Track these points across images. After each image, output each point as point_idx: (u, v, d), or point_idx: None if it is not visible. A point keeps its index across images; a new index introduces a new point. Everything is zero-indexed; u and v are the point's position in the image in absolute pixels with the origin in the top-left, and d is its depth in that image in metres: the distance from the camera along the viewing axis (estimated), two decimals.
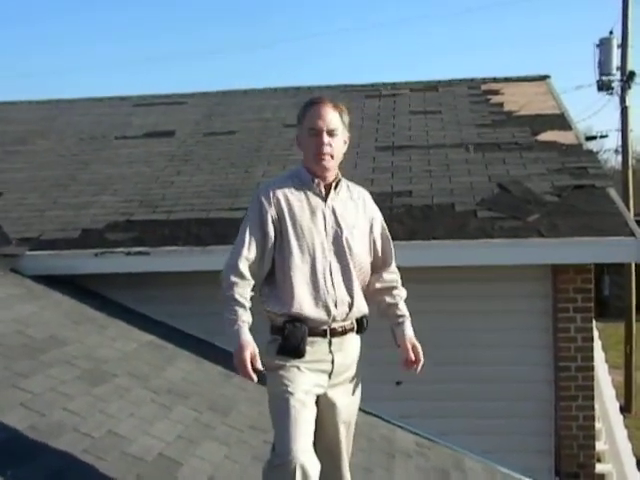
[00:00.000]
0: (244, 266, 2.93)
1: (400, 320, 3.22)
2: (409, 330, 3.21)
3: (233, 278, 2.92)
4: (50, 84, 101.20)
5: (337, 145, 3.02)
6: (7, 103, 10.32)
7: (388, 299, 3.23)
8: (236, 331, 2.87)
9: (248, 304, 2.93)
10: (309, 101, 3.09)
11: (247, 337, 2.86)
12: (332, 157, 3.01)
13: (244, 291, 2.93)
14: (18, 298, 5.16)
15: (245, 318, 2.90)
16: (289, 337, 2.92)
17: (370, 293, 3.20)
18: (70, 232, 6.02)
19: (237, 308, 2.90)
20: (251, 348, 2.84)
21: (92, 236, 5.94)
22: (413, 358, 3.18)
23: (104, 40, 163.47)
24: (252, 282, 2.96)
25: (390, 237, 3.26)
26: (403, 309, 3.24)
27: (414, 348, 3.19)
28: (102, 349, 4.73)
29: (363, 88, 9.57)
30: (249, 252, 2.95)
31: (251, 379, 2.83)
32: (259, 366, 2.84)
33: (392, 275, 3.25)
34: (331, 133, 2.99)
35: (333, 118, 3.01)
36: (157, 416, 3.98)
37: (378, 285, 3.21)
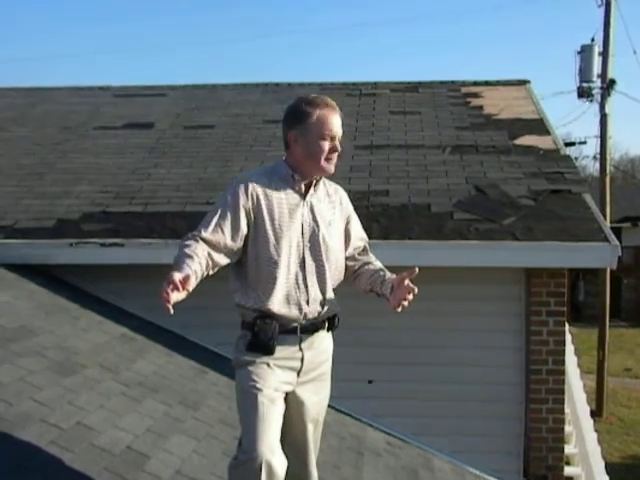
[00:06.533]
0: (206, 234, 2.88)
1: (384, 275, 3.12)
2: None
3: (188, 241, 2.85)
4: (30, 71, 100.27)
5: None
6: None
7: (368, 267, 3.19)
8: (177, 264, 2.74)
9: (199, 259, 2.78)
10: (319, 101, 3.06)
11: (184, 267, 2.69)
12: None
13: (198, 248, 2.83)
14: None
15: (192, 265, 2.73)
16: (259, 333, 2.91)
17: (352, 277, 3.21)
18: (45, 221, 5.96)
19: (185, 258, 2.77)
20: (181, 275, 2.64)
21: (67, 226, 5.89)
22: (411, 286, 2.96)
23: (86, 26, 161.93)
24: (210, 250, 2.86)
25: (366, 236, 3.31)
26: (384, 268, 3.20)
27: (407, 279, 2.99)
28: (73, 340, 4.69)
29: (343, 86, 9.56)
30: (215, 227, 2.90)
31: (166, 301, 2.60)
32: (177, 294, 2.61)
33: (366, 257, 3.26)
34: (338, 139, 3.06)
35: (340, 125, 3.08)
36: (127, 409, 3.96)
37: (356, 265, 3.21)
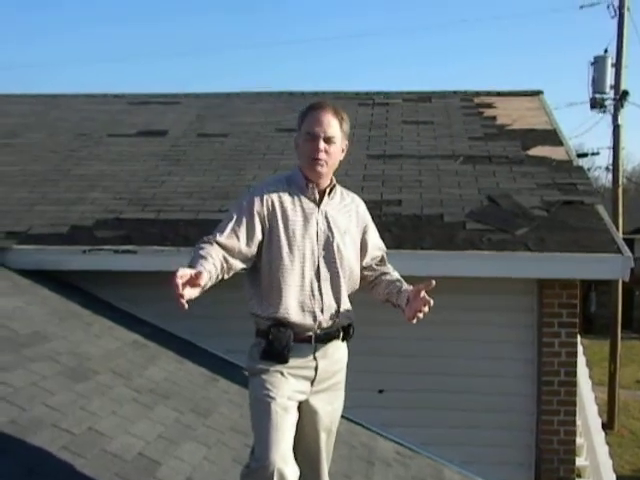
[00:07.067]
0: (221, 238, 2.87)
1: (401, 285, 3.12)
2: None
3: (202, 244, 2.85)
4: (33, 77, 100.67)
5: (333, 152, 3.01)
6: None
7: (385, 277, 3.19)
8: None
9: (213, 260, 2.77)
10: (310, 105, 3.08)
11: (197, 266, 2.68)
12: (326, 164, 3.00)
13: (213, 250, 2.82)
14: (3, 291, 5.14)
15: (206, 265, 2.72)
16: (273, 342, 2.91)
17: (369, 286, 3.21)
18: (59, 228, 6.00)
19: (199, 259, 2.75)
20: (193, 270, 2.62)
21: (80, 232, 5.92)
22: (427, 298, 2.94)
23: (93, 32, 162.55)
24: (225, 254, 2.86)
25: (383, 246, 3.30)
26: (401, 279, 3.19)
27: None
28: (86, 346, 4.71)
29: (356, 96, 9.60)
30: (230, 232, 2.90)
31: (179, 295, 2.55)
32: (189, 290, 2.59)
33: (383, 267, 3.25)
34: (328, 140, 2.98)
35: (332, 125, 2.99)
36: (138, 415, 3.97)
37: (373, 275, 3.21)
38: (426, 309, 2.94)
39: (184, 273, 2.57)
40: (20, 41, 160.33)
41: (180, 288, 2.54)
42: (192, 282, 2.59)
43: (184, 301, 2.55)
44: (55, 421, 3.45)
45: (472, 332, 5.81)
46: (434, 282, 2.92)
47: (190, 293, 2.60)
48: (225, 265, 2.85)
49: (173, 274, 2.56)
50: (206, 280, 2.67)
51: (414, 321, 2.98)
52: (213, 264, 2.76)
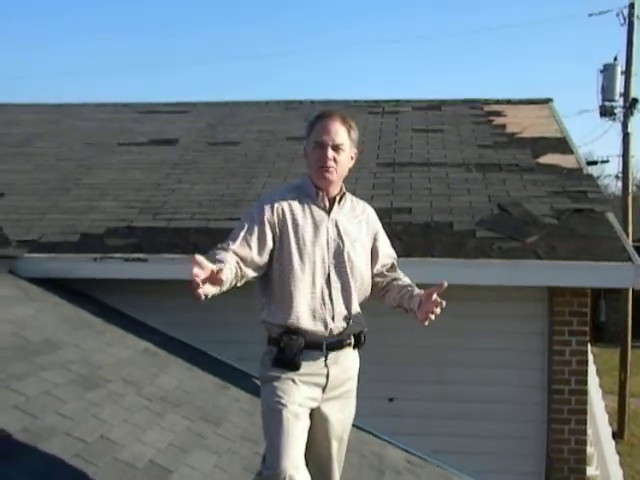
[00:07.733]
0: (234, 247, 2.88)
1: (413, 290, 3.11)
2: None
3: (217, 250, 2.85)
4: (49, 86, 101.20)
5: (342, 160, 3.03)
6: (11, 105, 10.34)
7: (396, 283, 3.18)
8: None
9: (229, 265, 2.76)
10: (319, 114, 3.11)
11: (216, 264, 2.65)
12: (335, 172, 3.02)
13: (228, 256, 2.82)
14: (15, 300, 5.16)
15: (223, 268, 2.69)
16: (285, 349, 2.92)
17: (380, 293, 3.20)
18: (70, 236, 6.03)
19: (216, 262, 2.72)
20: (215, 266, 2.60)
21: (91, 241, 5.95)
22: (439, 299, 2.92)
23: (103, 42, 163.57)
24: (239, 260, 2.85)
25: (394, 254, 3.31)
26: (412, 284, 3.18)
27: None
28: (97, 354, 4.72)
29: (366, 104, 9.62)
30: (242, 241, 2.91)
31: (197, 285, 2.52)
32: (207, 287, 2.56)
33: (394, 273, 3.25)
34: (336, 148, 3.00)
35: (340, 133, 3.02)
36: (149, 423, 3.98)
37: (384, 282, 3.20)
38: (438, 310, 2.94)
39: (203, 262, 2.55)
40: (32, 50, 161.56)
41: (196, 272, 2.51)
42: (213, 278, 2.57)
43: (201, 292, 2.54)
44: (67, 429, 3.46)
45: (482, 340, 5.80)
46: (446, 283, 2.92)
47: (209, 289, 2.59)
48: (239, 272, 2.86)
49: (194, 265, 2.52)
50: (225, 278, 2.66)
51: (426, 323, 2.97)
52: (229, 268, 2.77)
